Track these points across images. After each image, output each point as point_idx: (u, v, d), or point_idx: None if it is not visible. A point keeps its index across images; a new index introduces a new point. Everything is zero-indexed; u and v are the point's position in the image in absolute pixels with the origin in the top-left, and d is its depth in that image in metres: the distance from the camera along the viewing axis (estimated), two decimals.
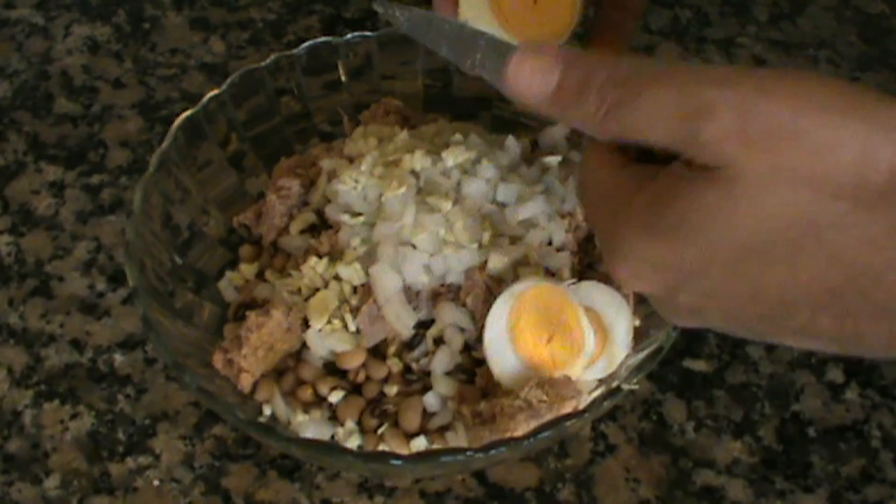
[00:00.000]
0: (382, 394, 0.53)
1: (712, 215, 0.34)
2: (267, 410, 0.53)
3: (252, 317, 0.52)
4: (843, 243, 0.33)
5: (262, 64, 0.61)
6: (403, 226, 0.54)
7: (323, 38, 0.63)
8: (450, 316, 0.53)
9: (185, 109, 0.59)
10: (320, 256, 0.55)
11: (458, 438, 0.51)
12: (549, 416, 0.48)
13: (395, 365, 0.53)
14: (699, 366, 0.59)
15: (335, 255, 0.55)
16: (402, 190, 0.54)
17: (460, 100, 0.64)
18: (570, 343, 0.51)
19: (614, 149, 0.39)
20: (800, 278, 0.34)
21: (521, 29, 0.45)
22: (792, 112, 0.33)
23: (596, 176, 0.39)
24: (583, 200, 0.41)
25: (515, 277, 0.53)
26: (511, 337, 0.51)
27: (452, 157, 0.56)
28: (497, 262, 0.53)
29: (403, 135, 0.59)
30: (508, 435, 0.48)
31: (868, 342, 0.35)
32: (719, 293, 0.36)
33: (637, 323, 0.54)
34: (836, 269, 0.34)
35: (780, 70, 0.34)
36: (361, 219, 0.55)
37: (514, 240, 0.55)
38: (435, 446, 0.51)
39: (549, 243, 0.55)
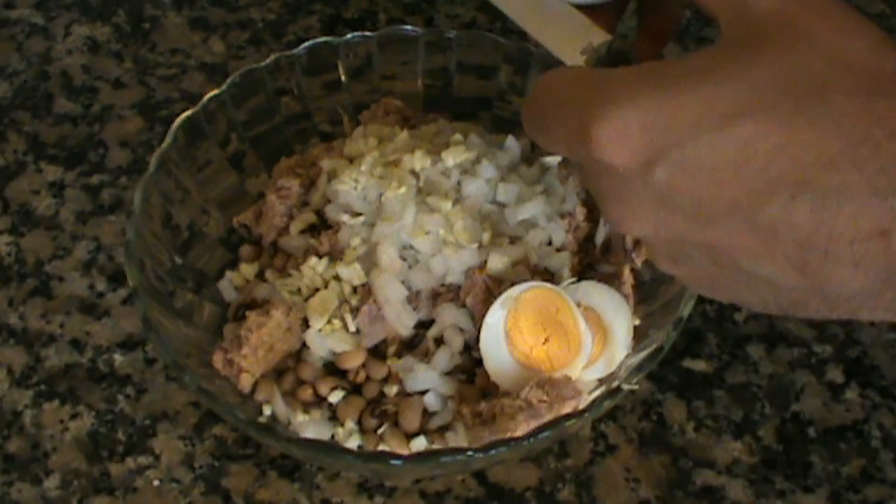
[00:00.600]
0: (382, 394, 0.53)
1: (725, 65, 0.34)
2: (267, 410, 0.53)
3: (252, 317, 0.52)
4: (848, 109, 0.33)
5: (262, 64, 0.61)
6: (403, 226, 0.54)
7: (323, 38, 0.63)
8: (450, 316, 0.53)
9: (185, 109, 0.59)
10: (320, 256, 0.55)
11: (458, 438, 0.51)
12: (549, 416, 0.48)
13: (395, 365, 0.53)
14: (699, 366, 0.59)
15: (335, 255, 0.55)
16: (403, 190, 0.54)
17: (460, 100, 0.64)
18: (567, 344, 0.51)
19: None
20: (795, 140, 0.33)
21: None
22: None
23: (563, 72, 0.38)
24: (540, 95, 0.38)
25: (515, 278, 0.53)
26: (507, 339, 0.51)
27: (452, 157, 0.56)
28: (497, 262, 0.53)
29: (403, 135, 0.59)
30: (508, 435, 0.48)
31: (836, 252, 0.33)
32: (701, 164, 0.34)
33: (637, 323, 0.54)
34: (835, 135, 0.33)
35: None
36: (361, 219, 0.55)
37: (514, 240, 0.55)
38: (435, 446, 0.51)
39: (549, 243, 0.55)
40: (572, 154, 0.38)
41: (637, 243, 0.54)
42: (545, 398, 0.49)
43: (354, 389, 0.53)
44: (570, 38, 0.41)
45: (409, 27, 0.64)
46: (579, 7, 0.43)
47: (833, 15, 0.35)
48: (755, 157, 0.33)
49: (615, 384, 0.50)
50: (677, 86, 0.34)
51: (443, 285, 0.54)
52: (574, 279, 0.54)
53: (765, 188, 0.33)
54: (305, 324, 0.53)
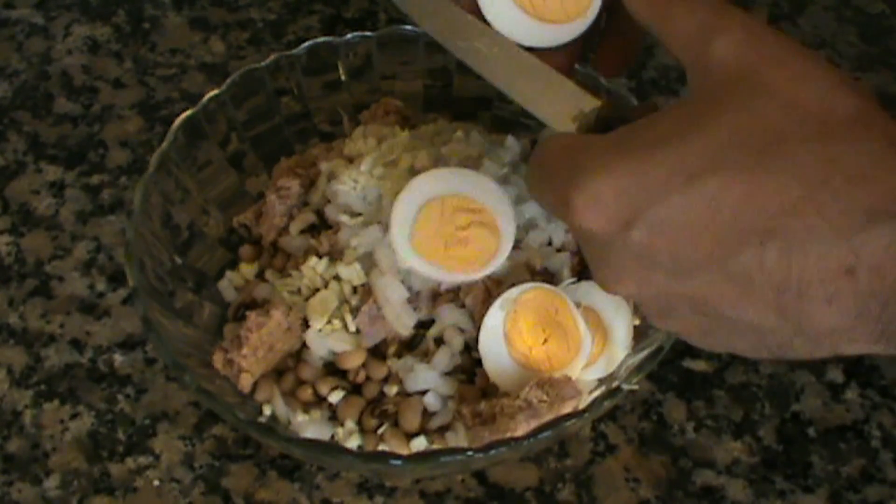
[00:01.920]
0: (382, 394, 0.53)
1: (686, 125, 0.36)
2: (267, 410, 0.53)
3: (252, 317, 0.52)
4: (806, 157, 0.34)
5: (262, 64, 0.61)
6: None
7: (323, 38, 0.63)
8: (450, 316, 0.53)
9: (185, 109, 0.59)
10: (320, 256, 0.55)
11: (458, 438, 0.51)
12: (549, 416, 0.48)
13: (395, 365, 0.53)
14: (699, 366, 0.59)
15: (335, 255, 0.55)
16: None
17: (460, 100, 0.64)
18: (567, 344, 0.51)
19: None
20: (759, 191, 0.35)
21: (543, 12, 0.45)
22: (780, 45, 0.37)
23: (559, 138, 0.41)
24: (538, 163, 0.41)
25: (515, 279, 0.53)
26: (507, 340, 0.51)
27: (454, 156, 0.56)
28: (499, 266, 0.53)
29: (404, 135, 0.59)
30: (508, 435, 0.48)
31: (810, 292, 0.35)
32: (674, 222, 0.36)
33: (637, 323, 0.54)
34: (795, 183, 0.34)
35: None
36: (361, 219, 0.55)
37: (514, 242, 0.54)
38: (435, 446, 0.51)
39: (549, 244, 0.55)
40: (563, 219, 0.40)
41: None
42: (545, 398, 0.49)
43: (354, 389, 0.53)
44: (560, 106, 0.43)
45: (409, 27, 0.64)
46: (532, 50, 0.44)
47: (789, 63, 0.36)
48: (722, 210, 0.35)
49: (615, 384, 0.50)
50: (645, 151, 0.36)
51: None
52: (574, 279, 0.54)
53: (735, 239, 0.35)
54: (305, 324, 0.53)
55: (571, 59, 0.47)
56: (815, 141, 0.35)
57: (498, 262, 0.51)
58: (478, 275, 0.51)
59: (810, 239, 0.34)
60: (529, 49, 0.45)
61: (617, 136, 0.38)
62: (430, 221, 0.50)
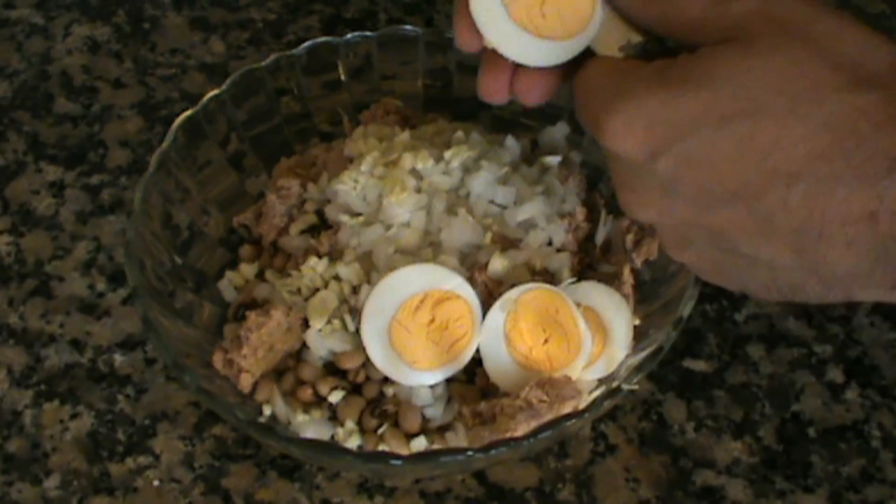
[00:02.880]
0: (382, 394, 0.53)
1: (722, 67, 0.36)
2: (267, 410, 0.53)
3: (252, 317, 0.52)
4: (837, 106, 0.35)
5: (262, 64, 0.61)
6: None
7: (323, 38, 0.63)
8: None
9: (185, 109, 0.59)
10: (320, 256, 0.55)
11: (458, 438, 0.51)
12: (549, 416, 0.48)
13: None
14: (699, 366, 0.59)
15: (335, 255, 0.55)
16: (404, 195, 0.54)
17: (460, 100, 0.64)
18: (567, 344, 0.51)
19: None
20: (789, 136, 0.35)
21: (543, 29, 0.44)
22: (808, 3, 0.37)
23: (602, 62, 0.41)
24: (580, 84, 0.41)
25: (515, 279, 0.53)
26: (507, 340, 0.51)
27: (455, 156, 0.56)
28: (498, 266, 0.53)
29: (404, 135, 0.59)
30: (508, 435, 0.48)
31: (830, 233, 0.35)
32: (702, 157, 0.37)
33: (637, 323, 0.54)
34: (825, 131, 0.35)
35: None
36: (361, 219, 0.55)
37: (516, 242, 0.55)
38: (435, 446, 0.51)
39: (549, 244, 0.55)
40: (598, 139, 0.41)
41: (637, 243, 0.54)
42: (545, 398, 0.49)
43: (354, 389, 0.53)
44: (609, 34, 0.43)
45: (409, 27, 0.64)
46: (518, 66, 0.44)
47: (821, 19, 0.36)
48: (751, 151, 0.36)
49: (615, 384, 0.50)
50: (680, 87, 0.37)
51: None
52: (574, 279, 0.54)
53: (761, 179, 0.36)
54: (305, 324, 0.53)
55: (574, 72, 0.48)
56: (847, 90, 0.35)
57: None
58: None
59: (835, 183, 0.35)
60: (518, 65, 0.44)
61: (657, 66, 0.38)
62: None
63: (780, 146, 0.35)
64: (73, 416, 0.57)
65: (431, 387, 0.52)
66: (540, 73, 0.44)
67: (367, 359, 0.52)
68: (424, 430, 0.52)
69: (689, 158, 0.37)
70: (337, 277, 0.54)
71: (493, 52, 0.44)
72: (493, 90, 0.46)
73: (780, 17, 0.36)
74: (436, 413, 0.52)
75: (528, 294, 0.51)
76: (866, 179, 0.34)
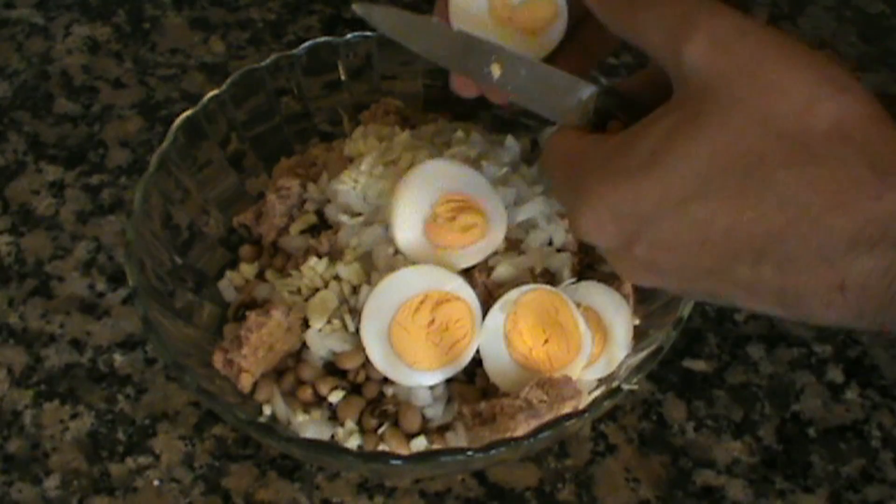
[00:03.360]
0: (382, 394, 0.53)
1: (673, 143, 0.37)
2: (267, 410, 0.53)
3: (252, 317, 0.52)
4: (786, 183, 0.36)
5: (262, 64, 0.61)
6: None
7: (323, 38, 0.63)
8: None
9: (185, 109, 0.59)
10: (320, 256, 0.55)
11: (458, 438, 0.51)
12: (549, 416, 0.48)
13: None
14: (699, 366, 0.59)
15: (335, 255, 0.55)
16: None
17: (460, 100, 0.64)
18: (567, 344, 0.51)
19: (580, 128, 0.43)
20: (744, 219, 0.36)
21: (518, 21, 0.45)
22: (757, 52, 0.36)
23: (561, 142, 0.42)
24: (547, 168, 0.43)
25: (515, 280, 0.53)
26: (507, 341, 0.51)
27: (456, 155, 0.56)
28: (503, 272, 0.53)
29: (404, 135, 0.59)
30: (508, 435, 0.48)
31: (807, 299, 0.37)
32: (671, 243, 0.38)
33: (637, 323, 0.54)
34: (778, 210, 0.36)
35: (757, 20, 0.38)
36: (361, 219, 0.55)
37: (515, 242, 0.54)
38: (435, 446, 0.51)
39: (550, 244, 0.55)
40: None
41: None
42: (545, 398, 0.49)
43: (354, 389, 0.53)
44: (557, 97, 0.44)
45: None
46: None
47: (759, 72, 0.36)
48: (713, 234, 0.37)
49: (615, 384, 0.50)
50: (635, 175, 0.38)
51: None
52: (574, 279, 0.54)
53: (729, 257, 0.37)
54: (305, 324, 0.53)
55: (583, 59, 0.49)
56: (793, 164, 0.35)
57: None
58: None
59: (798, 262, 0.36)
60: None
61: (613, 146, 0.40)
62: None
63: (739, 229, 0.36)
64: (73, 416, 0.57)
65: (431, 387, 0.52)
66: None
67: (367, 359, 0.52)
68: (424, 430, 0.52)
69: (660, 243, 0.38)
70: (337, 277, 0.54)
71: None
72: (464, 86, 0.49)
73: (727, 69, 0.36)
74: (436, 413, 0.52)
75: (528, 295, 0.51)
76: (825, 260, 0.35)
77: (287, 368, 0.54)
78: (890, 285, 0.35)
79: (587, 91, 0.43)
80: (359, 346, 0.52)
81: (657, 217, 0.38)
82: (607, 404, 0.48)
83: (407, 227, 0.52)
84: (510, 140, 0.58)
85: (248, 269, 0.59)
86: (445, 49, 0.47)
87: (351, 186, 0.56)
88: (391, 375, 0.51)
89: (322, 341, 0.53)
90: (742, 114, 0.36)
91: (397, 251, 0.53)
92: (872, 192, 0.35)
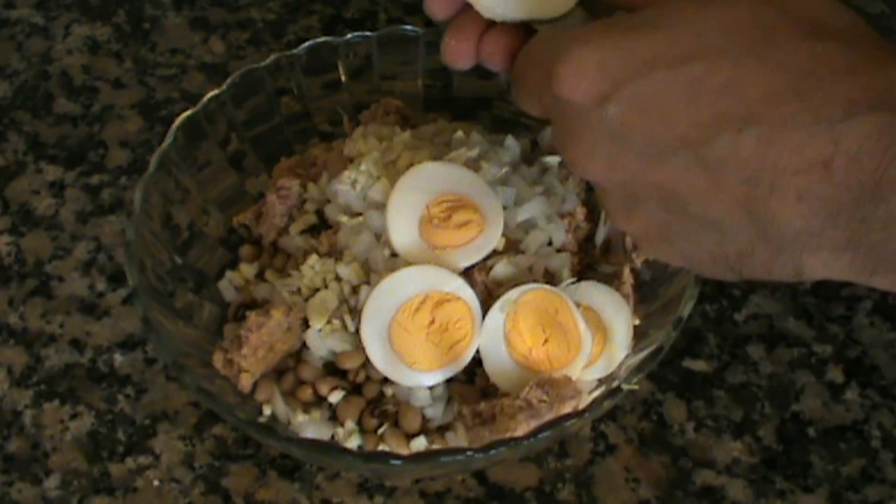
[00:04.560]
0: (382, 394, 0.53)
1: (681, 11, 0.36)
2: (267, 410, 0.53)
3: (252, 317, 0.52)
4: (795, 52, 0.34)
5: (262, 64, 0.61)
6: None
7: (323, 38, 0.63)
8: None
9: (185, 109, 0.59)
10: (320, 256, 0.55)
11: (458, 438, 0.51)
12: (549, 416, 0.48)
13: None
14: (699, 366, 0.59)
15: (335, 255, 0.55)
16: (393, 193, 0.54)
17: (460, 100, 0.64)
18: (566, 344, 0.51)
19: None
20: (743, 78, 0.35)
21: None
22: None
23: (543, 33, 0.41)
24: (524, 59, 0.41)
25: (515, 280, 0.53)
26: (506, 341, 0.51)
27: (454, 153, 0.56)
28: (503, 272, 0.53)
29: (404, 135, 0.59)
30: (508, 435, 0.48)
31: (782, 187, 0.34)
32: (652, 101, 0.36)
33: (637, 323, 0.54)
34: (781, 73, 0.34)
35: None
36: (361, 219, 0.55)
37: (515, 242, 0.54)
38: (435, 446, 0.51)
39: (549, 244, 0.55)
40: (542, 102, 0.40)
41: (636, 244, 0.54)
42: (545, 398, 0.49)
43: (354, 389, 0.53)
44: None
45: (409, 27, 0.64)
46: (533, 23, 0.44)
47: None
48: (704, 93, 0.35)
49: (615, 384, 0.50)
50: (634, 31, 0.36)
51: None
52: (574, 279, 0.54)
53: (713, 123, 0.35)
54: (305, 324, 0.53)
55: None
56: (807, 39, 0.35)
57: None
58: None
59: (790, 126, 0.34)
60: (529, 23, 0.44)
61: (607, 20, 0.38)
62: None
63: (735, 88, 0.35)
64: (73, 416, 0.57)
65: (431, 387, 0.52)
66: (507, 34, 0.44)
67: (367, 359, 0.52)
68: (424, 430, 0.52)
69: (640, 103, 0.36)
70: (337, 277, 0.54)
71: (460, 15, 0.44)
72: (459, 53, 0.46)
73: None
74: (436, 413, 0.52)
75: (528, 294, 0.51)
76: (822, 122, 0.33)
77: (287, 368, 0.54)
78: (882, 155, 0.33)
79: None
80: (359, 346, 0.52)
81: (648, 70, 0.36)
82: (607, 404, 0.48)
83: (403, 229, 0.52)
84: (510, 140, 0.58)
85: (248, 269, 0.59)
86: None
87: (351, 186, 0.56)
88: (391, 375, 0.51)
89: (322, 341, 0.53)
90: (758, 1, 0.36)
91: (394, 254, 0.53)
92: (881, 62, 0.34)
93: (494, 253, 0.53)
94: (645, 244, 0.41)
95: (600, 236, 0.56)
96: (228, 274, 0.59)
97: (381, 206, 0.54)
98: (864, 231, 0.34)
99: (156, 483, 0.55)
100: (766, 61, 0.35)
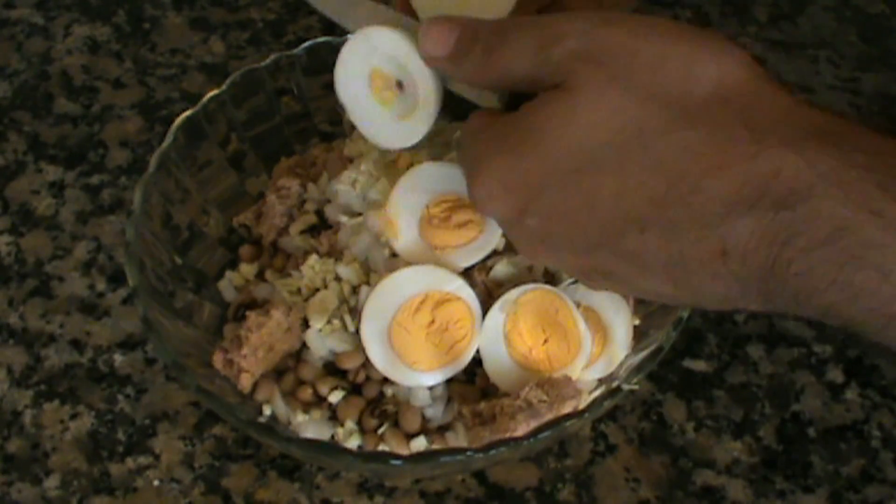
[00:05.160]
0: (382, 394, 0.53)
1: (553, 122, 0.38)
2: (267, 410, 0.53)
3: (252, 317, 0.52)
4: (665, 149, 0.36)
5: (262, 64, 0.61)
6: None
7: (323, 38, 0.63)
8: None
9: (185, 109, 0.59)
10: (320, 256, 0.55)
11: (458, 438, 0.51)
12: (549, 416, 0.48)
13: None
14: (699, 366, 0.59)
15: (335, 255, 0.55)
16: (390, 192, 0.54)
17: (460, 100, 0.64)
18: (566, 344, 0.51)
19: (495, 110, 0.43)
20: (628, 187, 0.37)
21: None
22: (629, 36, 0.37)
23: (474, 121, 0.43)
24: (461, 145, 0.44)
25: (515, 280, 0.53)
26: (506, 341, 0.51)
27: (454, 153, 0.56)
28: (503, 272, 0.53)
29: None
30: (508, 435, 0.48)
31: (694, 270, 0.37)
32: (560, 213, 0.38)
33: (637, 323, 0.54)
34: (658, 177, 0.36)
35: (630, 13, 0.39)
36: (361, 219, 0.55)
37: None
38: (435, 446, 0.51)
39: None
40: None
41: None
42: (545, 398, 0.49)
43: (354, 389, 0.53)
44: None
45: None
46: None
47: (638, 50, 0.37)
48: (599, 204, 0.37)
49: (615, 384, 0.50)
50: (520, 148, 0.39)
51: None
52: (574, 279, 0.54)
53: (617, 226, 0.38)
54: (305, 324, 0.53)
55: None
56: (672, 131, 0.36)
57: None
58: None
59: (682, 228, 0.36)
60: None
61: (501, 125, 0.40)
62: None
63: (623, 197, 0.37)
64: (73, 416, 0.57)
65: (431, 387, 0.52)
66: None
67: (367, 359, 0.52)
68: (424, 430, 0.52)
69: (550, 213, 0.39)
70: (337, 277, 0.54)
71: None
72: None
73: (599, 57, 0.37)
74: (436, 413, 0.52)
75: (528, 295, 0.51)
76: (706, 225, 0.35)
77: (287, 368, 0.54)
78: (769, 247, 0.34)
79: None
80: (359, 346, 0.52)
81: (545, 187, 0.38)
82: (607, 404, 0.48)
83: (402, 230, 0.52)
84: None
85: (248, 269, 0.59)
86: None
87: (351, 186, 0.56)
88: (391, 375, 0.51)
89: (322, 341, 0.53)
90: (619, 90, 0.36)
91: (394, 254, 0.53)
92: (749, 153, 0.34)
93: (494, 253, 0.53)
94: (616, 291, 0.45)
95: None
96: (228, 274, 0.59)
97: (381, 207, 0.54)
98: (776, 298, 0.36)
99: (156, 483, 0.55)
100: (641, 167, 0.36)
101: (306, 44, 0.62)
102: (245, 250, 0.60)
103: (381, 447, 0.51)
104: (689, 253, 0.36)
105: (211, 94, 0.60)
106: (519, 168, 0.39)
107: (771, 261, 0.35)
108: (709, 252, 0.36)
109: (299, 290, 0.55)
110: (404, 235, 0.52)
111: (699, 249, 0.36)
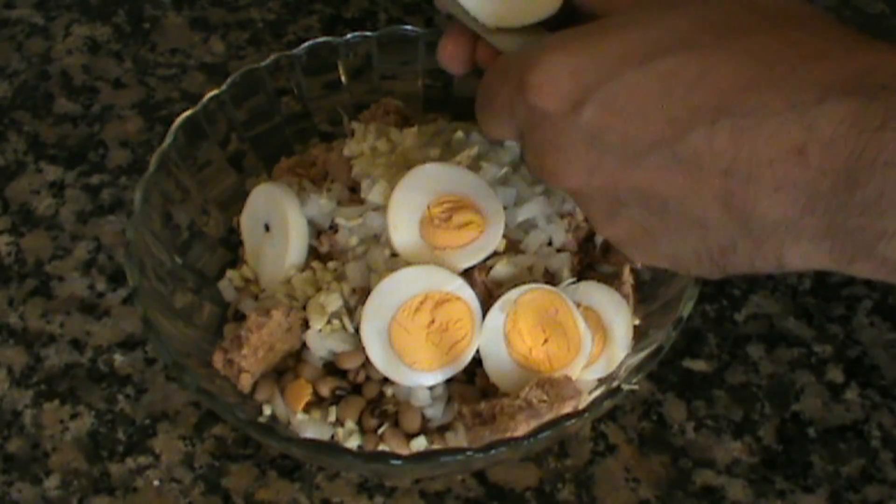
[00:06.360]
0: (382, 394, 0.53)
1: (648, 11, 0.37)
2: (267, 410, 0.53)
3: (252, 317, 0.52)
4: (766, 40, 0.35)
5: (262, 64, 0.61)
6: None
7: (323, 38, 0.63)
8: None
9: (185, 109, 0.59)
10: (320, 256, 0.55)
11: (458, 438, 0.51)
12: (549, 416, 0.48)
13: None
14: (699, 366, 0.59)
15: (335, 255, 0.55)
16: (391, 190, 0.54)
17: (460, 100, 0.64)
18: (566, 344, 0.51)
19: None
20: (714, 69, 0.35)
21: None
22: None
23: (506, 55, 0.41)
24: (499, 64, 0.41)
25: (515, 280, 0.53)
26: (506, 341, 0.51)
27: (459, 155, 0.56)
28: (503, 272, 0.53)
29: (406, 135, 0.59)
30: (508, 435, 0.48)
31: (757, 178, 0.34)
32: (625, 101, 0.36)
33: (637, 323, 0.54)
34: (750, 60, 0.34)
35: None
36: (361, 219, 0.55)
37: (515, 243, 0.55)
38: (435, 446, 0.51)
39: (549, 244, 0.55)
40: (514, 117, 0.40)
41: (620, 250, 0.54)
42: (545, 398, 0.49)
43: (354, 389, 0.53)
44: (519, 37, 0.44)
45: (409, 27, 0.64)
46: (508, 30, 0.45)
47: None
48: (676, 88, 0.35)
49: (615, 384, 0.50)
50: (603, 33, 0.37)
51: None
52: (574, 279, 0.54)
53: (686, 117, 0.35)
54: (305, 324, 0.53)
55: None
56: (775, 28, 0.35)
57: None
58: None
59: (763, 115, 0.34)
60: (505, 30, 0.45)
61: (579, 26, 0.39)
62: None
63: (706, 79, 0.35)
64: (73, 416, 0.57)
65: (431, 387, 0.52)
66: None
67: (367, 359, 0.52)
68: (424, 430, 0.52)
69: (613, 104, 0.36)
70: (337, 278, 0.54)
71: (458, 21, 0.45)
72: (455, 58, 0.47)
73: None
74: (436, 413, 0.52)
75: (528, 294, 0.51)
76: (795, 109, 0.33)
77: (287, 368, 0.54)
78: (860, 133, 0.32)
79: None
80: (359, 346, 0.52)
81: (619, 70, 0.36)
82: (607, 404, 0.48)
83: (403, 230, 0.52)
84: (510, 140, 0.58)
85: (248, 270, 0.59)
86: None
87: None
88: (391, 375, 0.51)
89: (322, 341, 0.53)
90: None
91: (394, 254, 0.53)
92: (848, 46, 0.34)
93: (495, 253, 0.53)
94: (629, 248, 0.41)
95: (600, 236, 0.56)
96: (228, 274, 0.59)
97: (381, 207, 0.54)
98: (842, 218, 0.34)
99: (156, 483, 0.55)
100: (736, 51, 0.35)
101: (306, 44, 0.63)
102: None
103: (381, 447, 0.51)
104: (760, 150, 0.34)
105: (211, 94, 0.60)
106: (597, 48, 0.36)
107: (853, 160, 0.32)
108: (785, 147, 0.33)
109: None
110: (405, 235, 0.52)
111: (773, 146, 0.34)
